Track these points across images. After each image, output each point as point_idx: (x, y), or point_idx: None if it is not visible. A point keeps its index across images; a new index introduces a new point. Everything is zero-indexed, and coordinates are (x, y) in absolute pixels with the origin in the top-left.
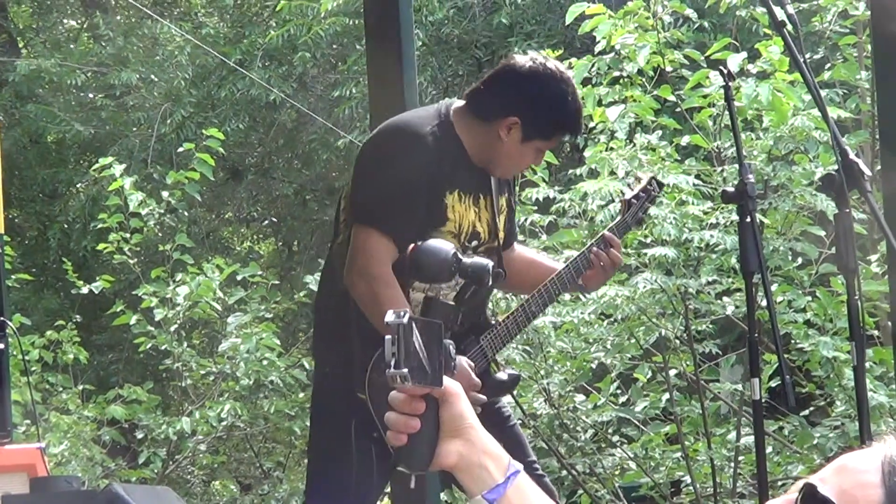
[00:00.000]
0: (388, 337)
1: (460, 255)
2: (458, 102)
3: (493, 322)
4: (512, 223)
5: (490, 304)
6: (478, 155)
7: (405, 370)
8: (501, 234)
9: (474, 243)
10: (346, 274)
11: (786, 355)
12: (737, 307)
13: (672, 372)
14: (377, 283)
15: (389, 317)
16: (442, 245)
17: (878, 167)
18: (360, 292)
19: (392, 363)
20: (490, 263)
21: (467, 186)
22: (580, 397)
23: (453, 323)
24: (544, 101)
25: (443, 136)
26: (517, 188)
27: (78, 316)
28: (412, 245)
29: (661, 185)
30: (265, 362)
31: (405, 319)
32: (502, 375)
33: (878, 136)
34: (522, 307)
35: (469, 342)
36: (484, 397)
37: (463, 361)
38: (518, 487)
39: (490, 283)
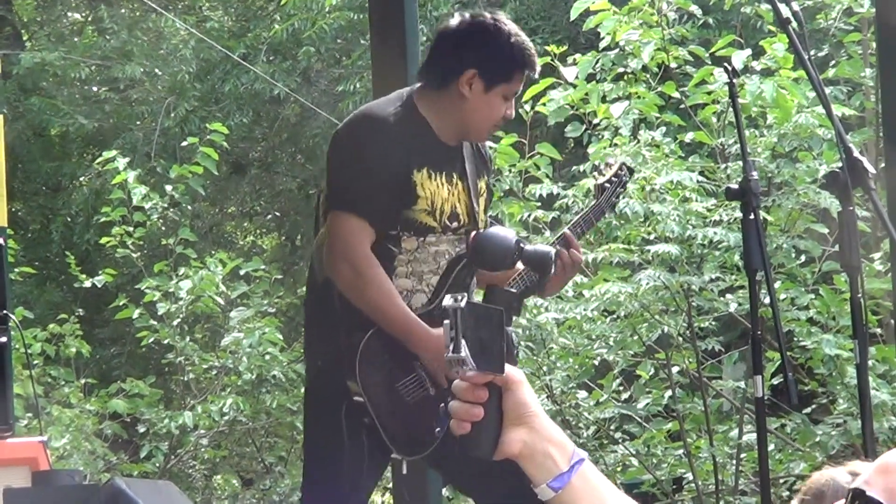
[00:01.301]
0: (445, 321)
1: (523, 243)
2: (418, 85)
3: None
4: (489, 205)
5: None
6: (448, 128)
7: (463, 354)
8: (482, 218)
9: (454, 224)
10: (327, 261)
11: (788, 353)
12: (740, 304)
13: (675, 369)
14: (359, 264)
15: (447, 301)
16: (504, 232)
17: (882, 165)
18: (344, 276)
19: (451, 348)
20: (553, 251)
21: (436, 164)
22: (582, 394)
23: (516, 311)
24: (491, 43)
25: (405, 115)
26: (521, 184)
27: (80, 309)
28: (474, 232)
29: (631, 171)
30: (268, 357)
31: (462, 304)
32: None
33: (882, 134)
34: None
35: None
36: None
37: None
38: (583, 475)
39: (554, 270)
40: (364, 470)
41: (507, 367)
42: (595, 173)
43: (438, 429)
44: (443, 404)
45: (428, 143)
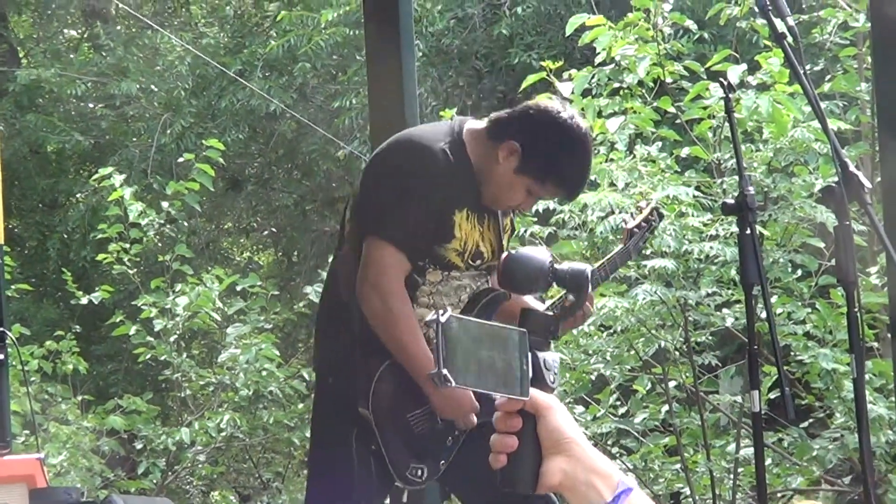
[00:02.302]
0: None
1: (557, 263)
2: (473, 122)
3: None
4: (509, 242)
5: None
6: (477, 173)
7: (444, 371)
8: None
9: (478, 262)
10: (359, 286)
11: (785, 367)
12: (736, 319)
13: (671, 383)
14: (391, 298)
15: (429, 315)
16: (536, 253)
17: (878, 179)
18: (373, 306)
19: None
20: (589, 268)
21: (474, 205)
22: (580, 409)
23: (552, 334)
24: (551, 142)
25: (454, 153)
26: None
27: (77, 326)
28: (505, 253)
29: (661, 215)
30: (264, 373)
31: (443, 318)
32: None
33: (877, 148)
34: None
35: None
36: (474, 420)
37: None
38: None
39: (590, 290)
40: (371, 494)
41: (536, 393)
42: (626, 216)
43: (443, 461)
44: (450, 437)
45: (471, 183)
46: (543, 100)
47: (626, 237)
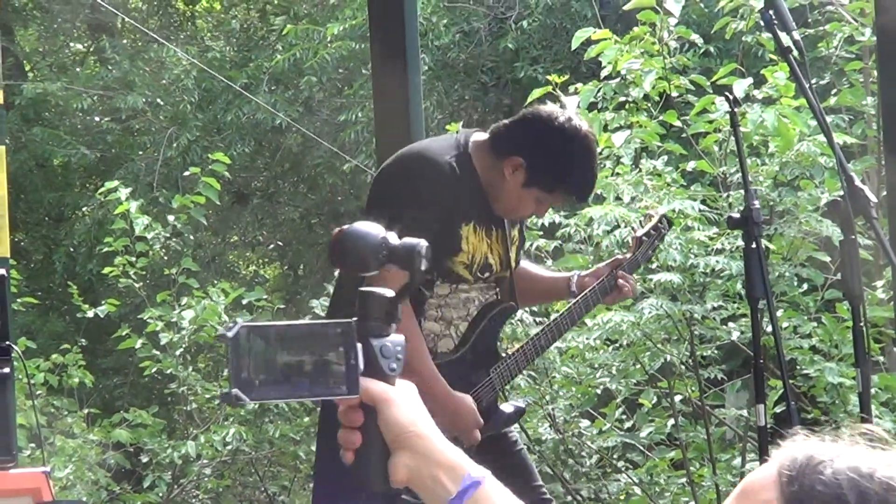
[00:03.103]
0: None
1: (390, 240)
2: (478, 134)
3: (504, 354)
4: (521, 249)
5: (501, 335)
6: (487, 189)
7: (234, 391)
8: (514, 266)
9: (486, 274)
10: None
11: (791, 381)
12: (742, 333)
13: (677, 397)
14: None
15: (220, 330)
16: (369, 228)
17: (884, 193)
18: None
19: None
20: (423, 243)
21: (482, 219)
22: (585, 423)
23: (392, 317)
24: (553, 151)
25: (461, 166)
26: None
27: (83, 339)
28: (337, 230)
29: (670, 223)
30: None
31: (230, 332)
32: (508, 408)
33: (883, 162)
34: (532, 341)
35: (479, 374)
36: (478, 436)
37: (467, 400)
38: (477, 500)
39: (422, 266)
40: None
41: (372, 385)
42: (635, 224)
43: None
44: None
45: (477, 196)
46: (541, 107)
47: (636, 245)
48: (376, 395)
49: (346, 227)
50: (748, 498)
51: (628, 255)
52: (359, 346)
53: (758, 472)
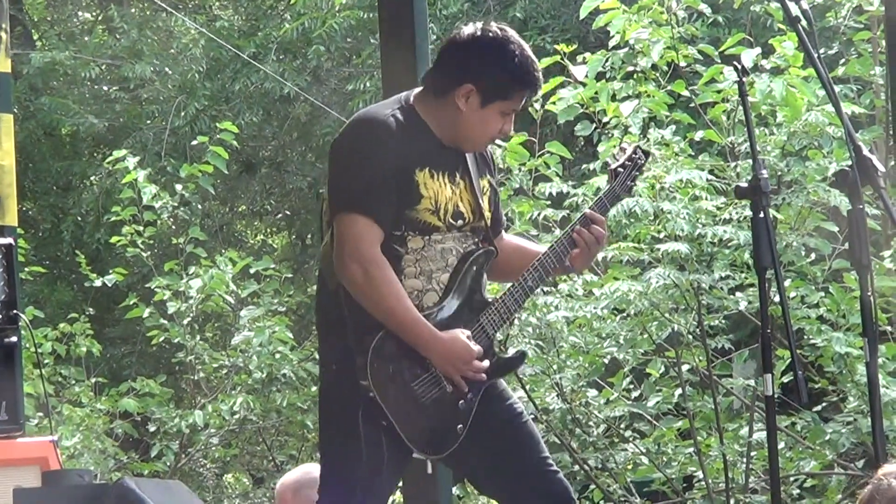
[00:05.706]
0: None
1: None
2: (417, 90)
3: (490, 300)
4: (498, 209)
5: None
6: (446, 135)
7: None
8: (487, 214)
9: (459, 222)
10: (337, 262)
11: (798, 351)
12: (750, 303)
13: (685, 367)
14: (370, 265)
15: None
16: None
17: (892, 163)
18: (353, 275)
19: None
20: None
21: (438, 164)
22: (593, 392)
23: None
24: (491, 60)
25: (404, 117)
26: (531, 182)
27: (91, 308)
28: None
29: (646, 153)
30: (278, 356)
31: None
32: (506, 354)
33: (892, 132)
34: (519, 282)
35: (469, 322)
36: (486, 364)
37: (459, 333)
38: None
39: None
40: (383, 473)
41: None
42: (609, 158)
43: (461, 425)
44: (462, 401)
45: (428, 144)
46: (455, 32)
47: (612, 178)
48: None
49: None
50: None
51: (605, 188)
52: None
53: None
